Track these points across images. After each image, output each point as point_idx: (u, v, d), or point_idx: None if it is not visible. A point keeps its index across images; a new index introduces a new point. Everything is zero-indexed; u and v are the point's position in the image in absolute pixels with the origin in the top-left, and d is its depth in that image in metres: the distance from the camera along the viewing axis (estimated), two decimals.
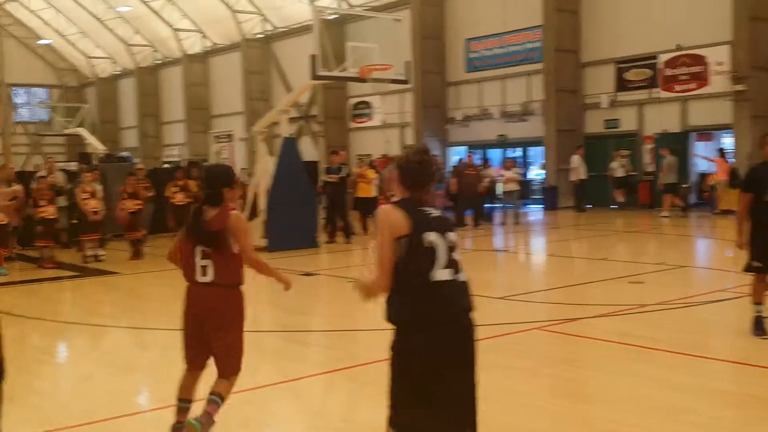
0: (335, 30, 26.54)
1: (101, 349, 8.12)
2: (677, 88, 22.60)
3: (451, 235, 3.42)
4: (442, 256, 3.35)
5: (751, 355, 6.62)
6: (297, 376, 6.20)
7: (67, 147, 44.82)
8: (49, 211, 13.95)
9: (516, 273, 12.99)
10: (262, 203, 15.31)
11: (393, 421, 3.42)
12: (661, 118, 23.08)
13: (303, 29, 32.65)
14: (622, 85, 23.98)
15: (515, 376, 6.09)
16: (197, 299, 4.56)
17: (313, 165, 24.67)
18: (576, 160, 22.98)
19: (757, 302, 7.02)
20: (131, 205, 14.78)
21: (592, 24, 24.62)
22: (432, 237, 3.35)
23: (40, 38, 47.96)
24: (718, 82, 21.40)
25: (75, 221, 15.63)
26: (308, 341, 8.02)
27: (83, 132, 31.71)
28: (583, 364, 6.73)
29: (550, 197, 24.68)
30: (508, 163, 20.79)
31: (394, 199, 3.55)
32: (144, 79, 45.33)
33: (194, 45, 41.36)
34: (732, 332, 7.38)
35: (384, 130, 31.07)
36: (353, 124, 33.23)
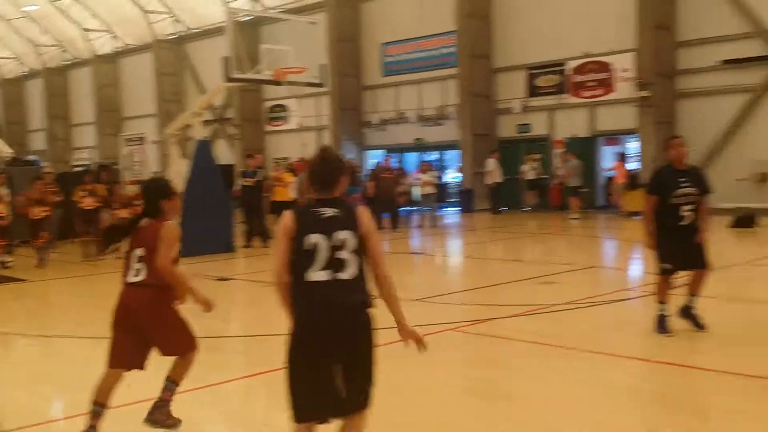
0: (249, 32, 26.29)
1: (9, 359, 7.79)
2: (585, 94, 23.40)
3: (341, 235, 3.54)
4: (322, 257, 3.51)
5: (656, 352, 6.91)
6: (215, 382, 6.12)
7: None
8: None
9: (432, 275, 13.17)
10: None
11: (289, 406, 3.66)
12: (571, 123, 23.84)
13: (216, 30, 32.15)
14: (533, 90, 24.64)
15: (431, 376, 6.18)
16: (127, 299, 4.70)
17: (229, 168, 24.35)
18: (491, 163, 23.47)
19: (662, 301, 7.32)
20: (38, 211, 14.24)
21: (503, 30, 25.20)
22: (314, 239, 3.52)
23: None
24: (624, 89, 22.27)
25: None
26: (224, 347, 7.91)
27: None
28: (498, 363, 6.88)
29: (466, 200, 25.10)
30: (424, 167, 21.05)
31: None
32: (52, 80, 43.77)
33: (104, 45, 40.19)
34: (638, 330, 7.67)
35: (301, 133, 30.96)
36: (270, 127, 32.97)
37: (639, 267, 12.67)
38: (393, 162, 22.98)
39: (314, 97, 28.89)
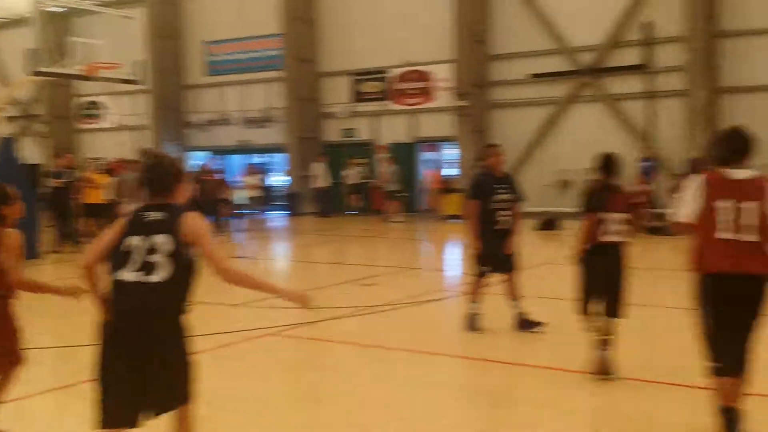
0: (61, 23, 24.72)
1: None
2: (407, 101, 24.13)
3: (157, 239, 3.55)
4: (136, 258, 3.55)
5: (471, 349, 7.24)
6: (21, 396, 5.65)
7: None
8: None
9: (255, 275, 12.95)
10: None
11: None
12: (393, 129, 24.48)
13: (24, 20, 29.87)
14: (358, 96, 25.06)
15: (252, 381, 6.07)
16: None
17: (35, 168, 22.66)
18: (317, 167, 23.60)
19: (474, 301, 7.67)
20: None
21: (329, 36, 25.42)
22: (132, 240, 3.58)
23: None
24: (444, 98, 23.19)
25: None
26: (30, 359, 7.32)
27: None
28: (318, 366, 6.88)
29: (293, 204, 25.05)
30: (250, 170, 20.77)
31: (128, 204, 3.66)
32: None
33: None
34: (454, 329, 7.97)
35: (119, 132, 29.47)
36: (83, 125, 31.09)
37: (455, 268, 13.21)
38: (216, 164, 22.47)
39: (132, 94, 27.60)
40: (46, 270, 13.64)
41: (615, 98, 20.89)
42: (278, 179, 27.18)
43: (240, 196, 20.92)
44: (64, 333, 8.41)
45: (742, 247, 4.29)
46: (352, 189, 23.91)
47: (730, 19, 19.24)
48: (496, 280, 7.75)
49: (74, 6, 28.34)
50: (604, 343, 5.88)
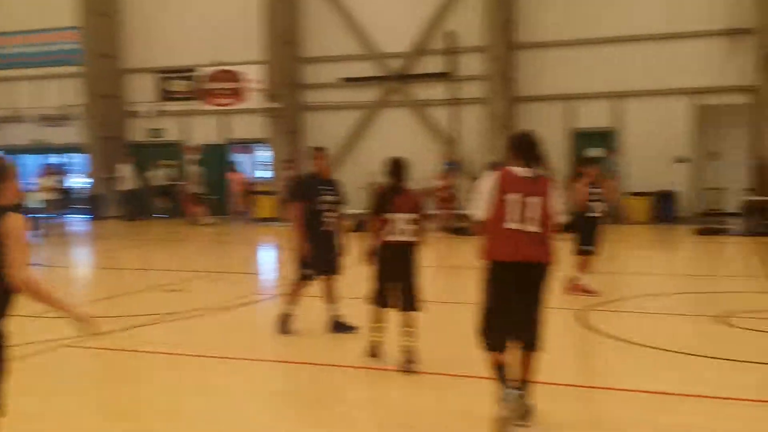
0: None
1: None
2: (218, 101, 23.59)
3: None
4: None
5: (283, 352, 7.19)
6: None
7: None
8: None
9: (51, 288, 12.06)
10: None
11: None
12: (204, 130, 23.83)
13: None
14: (166, 95, 24.14)
15: (45, 397, 5.62)
16: None
17: None
18: (124, 168, 22.50)
19: (291, 303, 7.61)
20: None
21: (131, 30, 24.29)
22: None
23: None
24: (256, 99, 22.91)
25: None
26: None
27: None
28: (119, 378, 6.52)
29: (95, 207, 23.66)
30: (46, 171, 19.37)
31: None
32: None
33: None
34: (265, 333, 7.85)
35: None
36: None
37: (266, 271, 13.08)
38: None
39: None
40: None
41: (421, 104, 21.70)
42: (79, 181, 25.55)
43: (34, 198, 19.35)
44: None
45: (524, 237, 4.71)
46: (159, 191, 23.04)
47: (524, 32, 20.63)
48: (314, 283, 7.67)
49: None
50: (378, 331, 6.41)
